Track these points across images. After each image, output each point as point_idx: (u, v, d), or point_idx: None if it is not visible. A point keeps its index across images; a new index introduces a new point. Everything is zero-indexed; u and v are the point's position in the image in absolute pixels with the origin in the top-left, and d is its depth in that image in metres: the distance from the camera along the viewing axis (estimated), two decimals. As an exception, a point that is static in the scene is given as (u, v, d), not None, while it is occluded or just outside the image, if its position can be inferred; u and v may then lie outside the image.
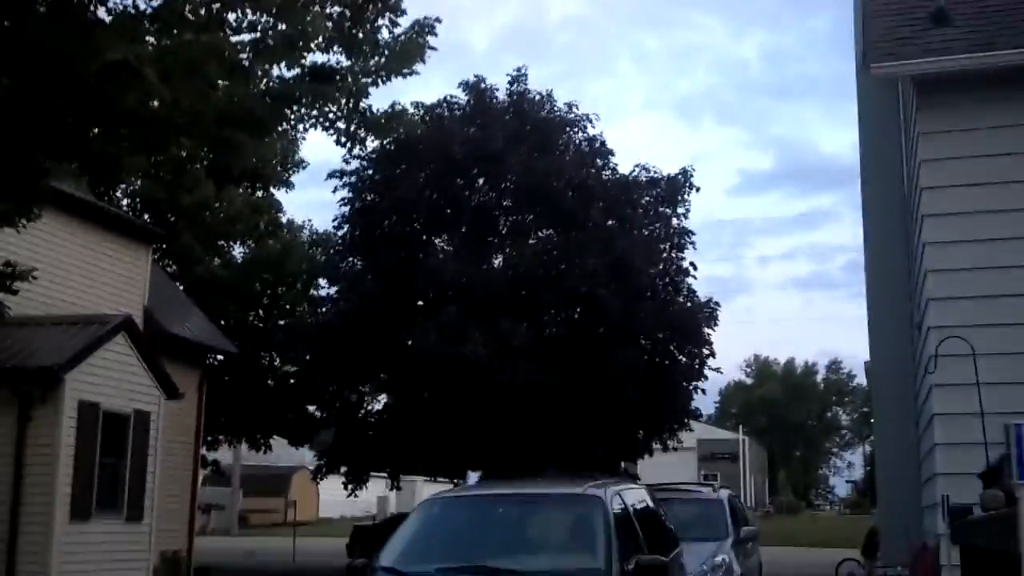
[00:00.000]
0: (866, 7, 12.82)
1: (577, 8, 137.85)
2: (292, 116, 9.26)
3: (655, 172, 25.55)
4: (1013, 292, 10.28)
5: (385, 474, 27.28)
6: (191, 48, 6.49)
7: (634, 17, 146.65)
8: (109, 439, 16.62)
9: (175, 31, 6.80)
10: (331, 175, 25.27)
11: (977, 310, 10.32)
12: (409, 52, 9.42)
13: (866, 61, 11.92)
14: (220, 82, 6.91)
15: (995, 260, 10.42)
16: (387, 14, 8.91)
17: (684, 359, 24.84)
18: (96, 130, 7.53)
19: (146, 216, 27.45)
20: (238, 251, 29.76)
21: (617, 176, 25.46)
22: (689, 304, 25.21)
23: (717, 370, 26.08)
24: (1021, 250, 10.34)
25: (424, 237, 25.00)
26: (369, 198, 25.33)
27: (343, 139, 9.78)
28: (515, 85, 25.48)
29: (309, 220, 33.10)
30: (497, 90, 25.52)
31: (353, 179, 25.31)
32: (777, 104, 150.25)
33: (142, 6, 6.94)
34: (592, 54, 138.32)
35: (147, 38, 6.74)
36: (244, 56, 7.22)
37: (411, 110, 25.22)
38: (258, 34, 8.30)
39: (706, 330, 24.90)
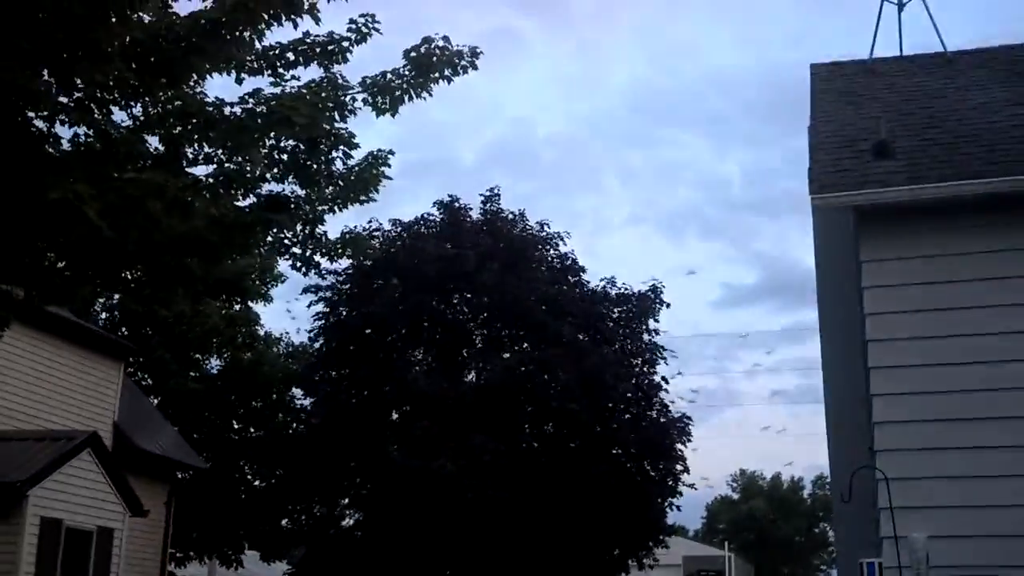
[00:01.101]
0: (813, 138, 13.33)
1: (562, 127, 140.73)
2: (248, 243, 9.52)
3: (625, 288, 26.01)
4: (957, 416, 10.44)
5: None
6: (132, 185, 6.80)
7: (618, 136, 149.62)
8: (71, 556, 16.51)
9: (124, 168, 7.13)
10: (306, 290, 25.65)
11: (921, 434, 10.48)
12: (365, 182, 9.73)
13: (811, 191, 12.32)
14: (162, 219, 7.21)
15: (939, 385, 10.61)
16: (341, 147, 9.25)
17: (656, 475, 24.87)
18: (49, 256, 7.81)
19: (123, 329, 27.66)
20: (214, 363, 29.90)
21: (588, 292, 25.88)
22: (662, 419, 25.36)
23: (691, 486, 26.11)
24: (964, 375, 10.55)
25: (398, 351, 25.24)
26: (344, 313, 25.64)
27: (298, 264, 10.05)
28: (488, 204, 26.10)
29: (286, 332, 33.34)
30: (471, 209, 26.13)
31: (328, 294, 25.66)
32: (760, 220, 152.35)
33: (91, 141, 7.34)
34: (577, 170, 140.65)
35: (97, 171, 7.06)
36: (188, 192, 7.52)
37: (388, 227, 25.82)
38: (214, 166, 8.65)
39: (679, 446, 24.99)
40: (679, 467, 25.18)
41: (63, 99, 7.57)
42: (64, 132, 8.00)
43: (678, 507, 25.85)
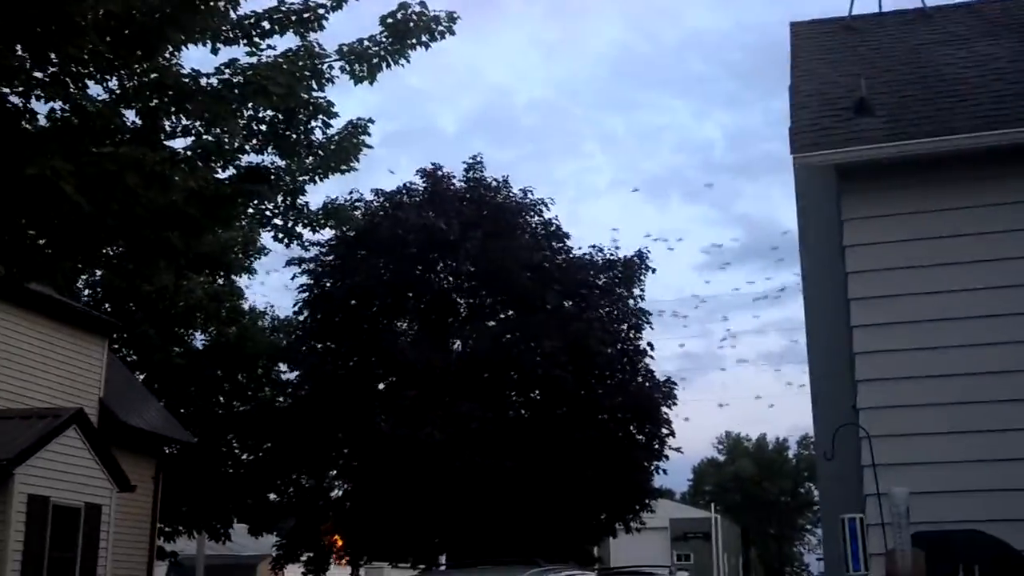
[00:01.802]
0: (793, 97, 13.29)
1: (543, 92, 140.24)
2: (229, 215, 9.47)
3: (610, 253, 26.04)
4: (939, 373, 10.49)
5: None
6: (109, 160, 6.75)
7: (599, 100, 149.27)
8: (59, 533, 16.53)
9: (102, 143, 7.07)
10: (290, 262, 25.57)
11: (904, 391, 10.54)
12: (345, 151, 9.68)
13: (791, 150, 12.29)
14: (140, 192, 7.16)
15: (921, 342, 10.65)
16: (319, 117, 9.19)
17: (643, 439, 25.00)
18: (30, 233, 7.76)
19: (106, 305, 27.52)
20: (199, 339, 29.82)
21: (572, 258, 25.88)
22: (647, 384, 25.45)
23: (678, 450, 26.27)
24: (945, 332, 10.61)
25: (383, 322, 25.22)
26: (328, 284, 25.57)
27: (280, 235, 10.02)
28: (471, 172, 26.01)
29: (271, 305, 33.28)
30: (454, 177, 26.03)
31: (312, 266, 25.58)
32: (742, 182, 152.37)
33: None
34: (558, 136, 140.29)
35: (75, 146, 7.00)
36: (166, 165, 7.45)
37: (370, 198, 25.73)
38: (192, 139, 8.58)
39: (664, 409, 25.11)
40: (665, 431, 25.32)
41: (38, 74, 7.49)
42: (40, 107, 7.93)
43: (664, 470, 26.06)
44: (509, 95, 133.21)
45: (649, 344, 25.76)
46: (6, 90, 7.50)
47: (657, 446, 25.25)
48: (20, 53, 7.08)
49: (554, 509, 23.29)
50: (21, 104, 7.57)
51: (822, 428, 15.84)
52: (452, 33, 8.66)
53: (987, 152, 10.37)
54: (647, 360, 25.78)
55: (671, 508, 66.41)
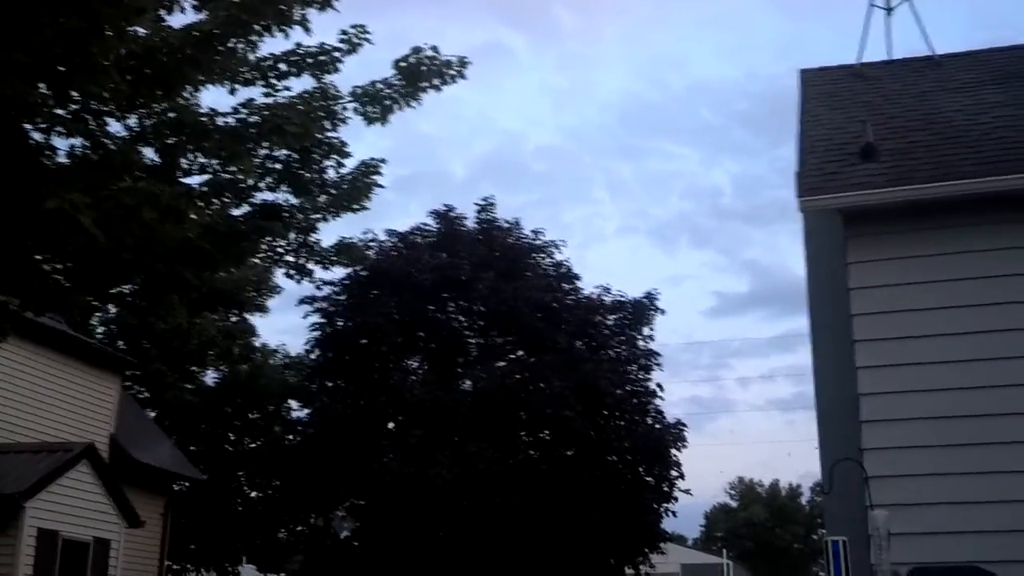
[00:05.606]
0: (800, 143, 13.45)
1: (552, 139, 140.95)
2: (242, 251, 9.65)
3: (620, 295, 26.16)
4: (943, 414, 10.56)
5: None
6: (126, 194, 6.94)
7: (607, 147, 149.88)
8: (68, 567, 16.59)
9: (120, 178, 7.27)
10: (303, 301, 25.75)
11: (908, 432, 10.59)
12: (357, 190, 9.88)
13: (797, 194, 12.44)
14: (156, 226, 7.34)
15: (924, 383, 10.73)
16: (333, 156, 9.40)
17: (652, 480, 24.94)
18: (45, 268, 7.95)
19: (120, 343, 27.75)
20: (211, 376, 30.01)
21: (582, 299, 26.01)
22: (657, 426, 25.43)
23: (687, 491, 26.15)
24: (949, 374, 10.68)
25: (393, 360, 25.33)
26: (340, 323, 25.74)
27: (292, 272, 10.20)
28: (483, 213, 26.24)
29: (283, 344, 33.45)
30: (466, 218, 26.27)
31: (324, 304, 25.77)
32: (750, 229, 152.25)
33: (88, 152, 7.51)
34: (567, 182, 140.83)
35: (93, 182, 7.20)
36: (182, 201, 7.64)
37: (383, 238, 25.97)
38: (208, 176, 8.79)
39: (673, 452, 25.06)
40: (674, 473, 25.25)
41: (60, 111, 7.70)
42: (61, 144, 8.15)
43: (674, 513, 25.91)
44: (519, 141, 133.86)
45: (659, 385, 25.83)
46: (28, 126, 7.71)
47: (666, 488, 25.17)
48: (43, 91, 7.30)
49: (562, 551, 23.20)
50: (43, 140, 7.79)
51: (828, 471, 15.84)
52: (463, 77, 8.91)
53: (991, 197, 10.48)
54: (656, 401, 25.81)
55: (683, 554, 65.96)
